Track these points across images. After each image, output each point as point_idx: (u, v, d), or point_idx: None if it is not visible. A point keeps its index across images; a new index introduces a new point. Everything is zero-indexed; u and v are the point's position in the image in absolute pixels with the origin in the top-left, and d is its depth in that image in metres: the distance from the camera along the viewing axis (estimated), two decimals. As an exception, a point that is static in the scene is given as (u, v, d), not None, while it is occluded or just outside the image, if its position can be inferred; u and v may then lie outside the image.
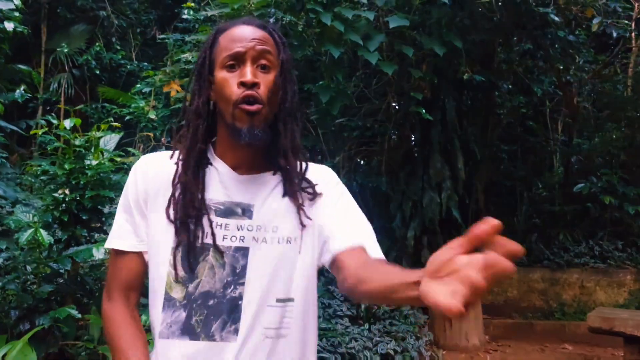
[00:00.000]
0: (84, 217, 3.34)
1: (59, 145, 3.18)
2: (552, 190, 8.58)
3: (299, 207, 1.17)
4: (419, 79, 4.61)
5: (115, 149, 4.10)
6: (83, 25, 10.41)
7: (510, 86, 6.80)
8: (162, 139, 5.29)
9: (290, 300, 1.14)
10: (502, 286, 6.52)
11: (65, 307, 3.10)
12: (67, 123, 3.36)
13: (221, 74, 1.13)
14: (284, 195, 1.18)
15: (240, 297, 1.11)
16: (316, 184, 1.21)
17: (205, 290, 1.11)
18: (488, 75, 5.64)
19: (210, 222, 1.13)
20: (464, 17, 4.77)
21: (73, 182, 3.29)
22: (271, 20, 3.91)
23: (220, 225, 1.13)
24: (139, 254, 1.19)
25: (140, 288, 1.22)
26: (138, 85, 6.04)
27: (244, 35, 1.14)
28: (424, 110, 4.55)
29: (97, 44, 9.91)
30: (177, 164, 1.18)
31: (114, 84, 9.47)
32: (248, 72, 1.10)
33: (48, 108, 9.25)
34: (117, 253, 1.20)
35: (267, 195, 1.18)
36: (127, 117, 5.35)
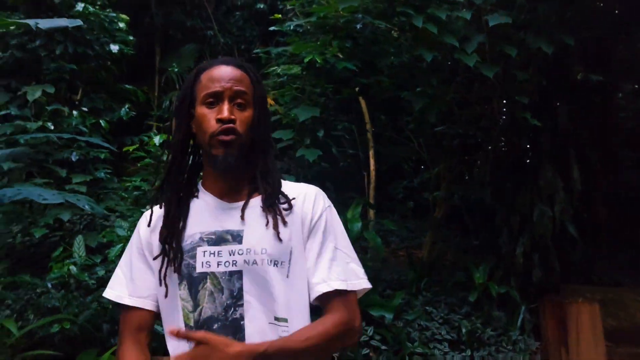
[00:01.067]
0: (171, 233, 3.34)
1: (149, 162, 3.21)
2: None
3: (277, 231, 1.24)
4: (525, 81, 4.17)
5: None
6: (192, 45, 10.92)
7: (636, 86, 6.03)
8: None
9: (285, 320, 1.22)
10: (629, 310, 5.74)
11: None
12: (157, 139, 3.40)
13: (201, 110, 1.26)
14: (267, 215, 1.26)
15: (242, 318, 1.20)
16: (296, 201, 1.30)
17: (208, 315, 1.21)
18: (606, 75, 5.01)
19: (204, 252, 1.23)
20: (575, 13, 4.25)
21: (161, 198, 3.31)
22: (358, 26, 3.73)
23: (214, 253, 1.23)
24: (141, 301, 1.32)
25: (149, 329, 1.32)
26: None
27: (222, 75, 1.26)
28: (530, 116, 4.10)
29: (204, 61, 10.31)
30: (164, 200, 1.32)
31: (220, 100, 9.78)
32: (225, 110, 1.23)
33: (161, 125, 9.82)
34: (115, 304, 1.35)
35: (254, 220, 1.26)
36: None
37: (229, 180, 1.29)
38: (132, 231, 3.48)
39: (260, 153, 1.30)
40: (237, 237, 1.24)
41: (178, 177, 1.32)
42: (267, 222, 1.25)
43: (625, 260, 6.13)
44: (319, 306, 1.29)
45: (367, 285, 1.33)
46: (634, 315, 5.75)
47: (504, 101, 5.10)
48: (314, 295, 1.26)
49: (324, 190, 1.38)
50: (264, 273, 1.22)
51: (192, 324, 1.22)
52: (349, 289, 1.26)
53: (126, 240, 3.27)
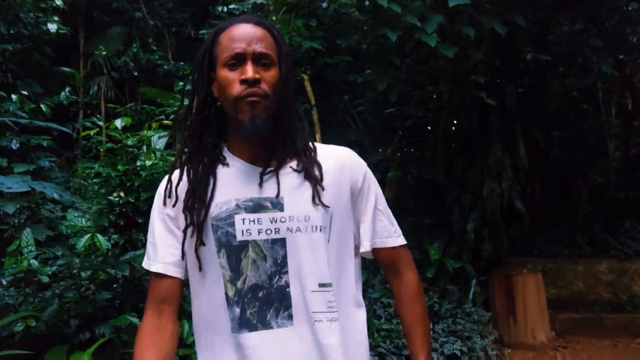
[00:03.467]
0: (139, 221, 3.19)
1: (112, 146, 3.02)
2: (607, 177, 8.15)
3: (316, 195, 1.21)
4: (479, 62, 4.31)
5: (164, 148, 3.95)
6: (119, 28, 10.39)
7: (562, 68, 6.41)
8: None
9: (329, 285, 1.20)
10: (567, 279, 6.16)
11: (125, 314, 2.96)
12: (119, 123, 3.21)
13: (223, 73, 1.19)
14: (304, 181, 1.22)
15: (287, 285, 1.17)
16: (334, 164, 1.27)
17: (252, 283, 1.18)
18: (544, 56, 5.29)
19: (243, 219, 1.18)
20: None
21: (127, 184, 3.14)
22: (324, 4, 3.69)
23: (253, 221, 1.18)
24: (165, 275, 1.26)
25: (174, 300, 1.27)
26: (180, 83, 5.89)
27: (244, 34, 1.19)
28: (485, 95, 4.25)
29: (134, 45, 9.86)
30: (186, 166, 1.26)
31: (152, 84, 9.40)
32: (249, 70, 1.15)
33: (89, 112, 9.27)
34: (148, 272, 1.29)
35: (293, 186, 1.21)
36: (172, 116, 5.20)
37: (259, 144, 1.22)
38: (95, 221, 3.30)
39: (289, 113, 1.23)
40: (277, 205, 1.19)
41: (202, 143, 1.25)
42: (308, 189, 1.21)
43: (561, 233, 6.56)
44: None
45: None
46: (571, 283, 6.18)
47: (453, 82, 5.26)
48: (381, 245, 1.31)
49: None
50: (308, 240, 1.19)
51: (232, 293, 1.18)
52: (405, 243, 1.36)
53: (92, 230, 3.07)
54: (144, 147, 3.35)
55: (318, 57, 4.12)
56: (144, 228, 3.31)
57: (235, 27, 1.20)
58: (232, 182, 1.22)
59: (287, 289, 1.17)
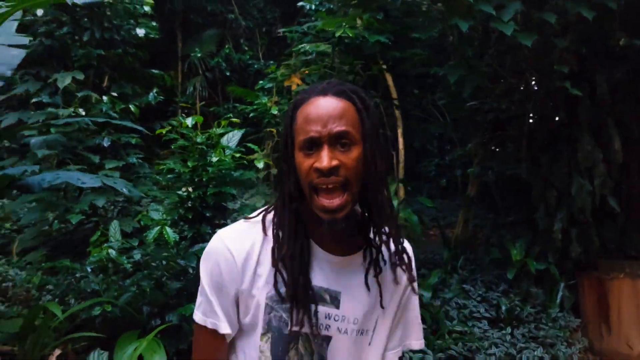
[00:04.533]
0: (207, 214, 3.33)
1: (183, 144, 3.18)
2: None
3: (380, 296, 1.16)
4: (563, 50, 4.01)
5: (239, 145, 4.08)
6: (213, 30, 10.89)
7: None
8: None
9: None
10: (673, 285, 5.57)
11: (192, 304, 3.11)
12: (189, 121, 3.37)
13: (299, 158, 1.07)
14: (366, 277, 1.15)
15: None
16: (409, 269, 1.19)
17: None
18: (640, 41, 4.78)
19: (300, 309, 1.09)
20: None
21: (196, 180, 3.29)
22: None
23: (309, 313, 1.10)
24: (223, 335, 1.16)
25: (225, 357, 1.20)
26: (261, 82, 6.07)
27: (320, 114, 1.05)
28: (569, 85, 3.95)
29: (226, 46, 10.30)
30: (275, 243, 1.12)
31: (243, 83, 9.77)
32: (325, 157, 1.02)
33: (186, 111, 9.83)
34: (201, 327, 1.17)
35: (354, 284, 1.15)
36: (252, 114, 5.38)
37: (335, 233, 1.11)
38: (167, 215, 3.49)
39: (376, 198, 1.09)
40: (334, 300, 1.12)
41: (291, 226, 1.11)
42: (367, 290, 1.15)
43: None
44: None
45: None
46: (677, 290, 5.58)
47: (539, 72, 4.94)
48: (417, 347, 1.29)
49: None
50: (350, 343, 1.15)
51: None
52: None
53: (162, 223, 3.26)
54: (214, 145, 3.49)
55: (387, 51, 4.05)
56: (211, 222, 3.46)
57: (311, 103, 1.07)
58: (294, 267, 1.10)
59: None
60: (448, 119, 6.38)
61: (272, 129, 5.21)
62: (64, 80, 4.60)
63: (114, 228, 4.06)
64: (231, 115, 3.60)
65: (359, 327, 1.15)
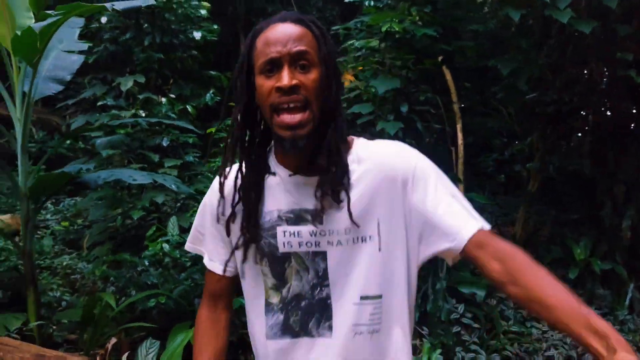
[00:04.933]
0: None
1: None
2: None
3: (349, 213, 1.12)
4: (626, 37, 3.79)
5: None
6: (274, 30, 11.10)
7: None
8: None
9: (378, 297, 1.15)
10: None
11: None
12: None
13: (259, 81, 1.10)
14: (334, 196, 1.13)
15: (328, 297, 1.16)
16: (376, 164, 1.16)
17: (296, 293, 1.18)
18: None
19: (284, 232, 1.16)
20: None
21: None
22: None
23: (294, 234, 1.16)
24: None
25: (227, 294, 1.35)
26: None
27: (279, 37, 1.08)
28: (635, 74, 3.72)
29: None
30: (236, 177, 1.20)
31: (302, 81, 9.87)
32: (285, 76, 1.05)
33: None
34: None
35: (333, 197, 1.13)
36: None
37: (301, 154, 1.13)
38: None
39: (335, 120, 1.11)
40: (317, 217, 1.14)
41: (245, 153, 1.18)
42: (341, 201, 1.12)
43: None
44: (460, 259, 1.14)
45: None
46: None
47: (603, 62, 4.68)
48: (465, 238, 1.08)
49: None
50: (351, 252, 1.14)
51: (276, 300, 1.19)
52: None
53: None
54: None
55: (436, 45, 3.97)
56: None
57: (271, 28, 1.10)
58: (276, 192, 1.18)
59: (328, 301, 1.15)
60: (507, 113, 6.17)
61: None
62: (127, 83, 4.85)
63: (172, 223, 4.24)
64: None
65: (354, 235, 1.13)
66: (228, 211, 1.21)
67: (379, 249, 1.14)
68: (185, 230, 4.44)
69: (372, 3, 5.84)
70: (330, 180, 1.12)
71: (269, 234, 1.17)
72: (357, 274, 1.14)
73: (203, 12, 5.47)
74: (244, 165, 1.18)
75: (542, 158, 5.31)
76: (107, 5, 2.09)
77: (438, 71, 4.93)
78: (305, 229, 1.15)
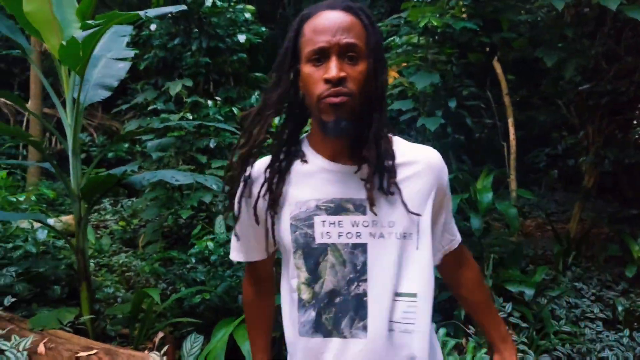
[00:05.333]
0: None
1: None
2: None
3: (404, 203, 1.14)
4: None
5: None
6: (322, 30, 11.19)
7: None
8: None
9: (413, 295, 1.14)
10: None
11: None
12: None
13: (306, 69, 1.09)
14: (381, 188, 1.14)
15: (365, 294, 1.11)
16: (421, 167, 1.20)
17: (330, 289, 1.13)
18: None
19: (323, 221, 1.13)
20: None
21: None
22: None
23: (334, 223, 1.13)
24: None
25: (270, 275, 1.40)
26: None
27: (328, 25, 1.07)
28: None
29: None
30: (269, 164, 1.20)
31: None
32: (333, 68, 1.05)
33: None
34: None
35: (379, 188, 1.14)
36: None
37: (342, 142, 1.14)
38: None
39: (375, 112, 1.11)
40: (359, 207, 1.13)
41: (280, 138, 1.20)
42: (392, 193, 1.14)
43: None
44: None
45: None
46: None
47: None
48: (450, 249, 1.34)
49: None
50: (392, 247, 1.12)
51: (307, 296, 1.15)
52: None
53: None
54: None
55: (476, 38, 3.88)
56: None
57: (320, 15, 1.09)
58: (312, 181, 1.16)
59: (365, 298, 1.11)
60: (563, 106, 5.95)
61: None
62: (175, 88, 5.03)
63: (219, 222, 4.36)
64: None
65: (397, 229, 1.13)
66: (262, 199, 1.19)
67: (417, 247, 1.15)
68: (232, 229, 4.56)
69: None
70: (385, 171, 1.13)
71: (305, 224, 1.14)
72: (397, 269, 1.13)
73: (247, 15, 5.58)
74: (276, 148, 1.19)
75: (597, 152, 5.08)
76: (141, 13, 2.19)
77: (484, 65, 4.82)
78: (347, 219, 1.12)
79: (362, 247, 1.12)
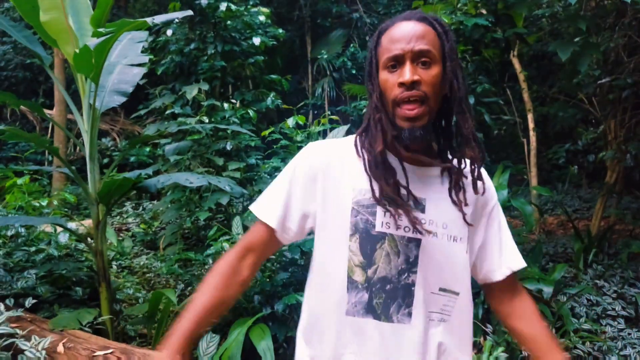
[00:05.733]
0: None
1: (284, 143, 3.37)
2: None
3: (462, 212, 1.24)
4: None
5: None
6: (340, 30, 11.19)
7: None
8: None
9: (455, 293, 1.25)
10: None
11: (295, 294, 3.28)
12: (290, 121, 3.54)
13: (383, 75, 1.18)
14: (450, 192, 1.24)
15: (413, 284, 1.21)
16: (485, 188, 1.29)
17: (382, 275, 1.21)
18: None
19: (385, 212, 1.20)
20: None
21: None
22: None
23: (395, 215, 1.19)
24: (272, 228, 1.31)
25: (261, 253, 1.34)
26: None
27: (403, 34, 1.16)
28: None
29: (351, 45, 10.51)
30: (359, 152, 1.26)
31: (369, 80, 9.86)
32: (407, 72, 1.13)
33: (315, 112, 10.20)
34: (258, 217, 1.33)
35: (438, 191, 1.24)
36: (364, 110, 5.42)
37: (415, 145, 1.20)
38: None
39: (457, 114, 1.19)
40: (419, 205, 1.22)
41: (385, 137, 1.21)
42: (454, 199, 1.24)
43: None
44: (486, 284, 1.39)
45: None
46: None
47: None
48: (505, 274, 1.33)
49: None
50: (441, 247, 1.22)
51: (361, 279, 1.21)
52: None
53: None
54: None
55: (487, 34, 3.84)
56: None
57: (396, 27, 1.19)
58: (381, 173, 1.21)
59: (413, 288, 1.20)
60: (586, 100, 5.85)
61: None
62: (191, 91, 5.10)
63: (236, 223, 4.41)
64: (329, 113, 3.71)
65: (449, 232, 1.23)
66: (332, 179, 1.25)
67: (466, 251, 1.26)
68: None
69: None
70: (456, 175, 1.24)
71: (368, 211, 1.21)
72: (445, 267, 1.23)
73: (262, 18, 5.62)
74: (380, 145, 1.20)
75: (619, 146, 4.99)
76: (148, 19, 2.25)
77: (500, 61, 4.78)
78: (407, 213, 1.19)
79: (417, 242, 1.21)
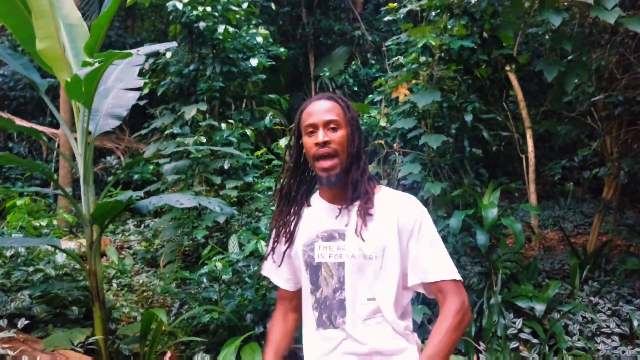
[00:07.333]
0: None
1: (277, 163, 3.43)
2: None
3: (374, 235, 1.56)
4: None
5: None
6: (342, 48, 11.29)
7: None
8: (395, 145, 5.26)
9: (374, 299, 1.57)
10: None
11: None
12: (283, 142, 3.61)
13: (304, 139, 1.61)
14: (363, 220, 1.56)
15: (345, 299, 1.58)
16: (393, 209, 1.60)
17: (324, 295, 1.61)
18: None
19: (319, 246, 1.61)
20: None
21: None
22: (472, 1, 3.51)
23: (326, 247, 1.60)
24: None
25: (292, 299, 1.77)
26: (370, 96, 6.19)
27: (316, 108, 1.59)
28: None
29: (353, 62, 10.60)
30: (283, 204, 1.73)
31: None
32: (320, 134, 1.55)
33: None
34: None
35: (354, 222, 1.58)
36: (364, 127, 5.50)
37: (336, 188, 1.61)
38: (268, 227, 3.77)
39: (354, 165, 1.60)
40: (342, 236, 1.59)
41: (291, 194, 1.68)
42: (367, 225, 1.56)
43: None
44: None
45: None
46: None
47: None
48: (430, 280, 1.56)
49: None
50: (359, 265, 1.56)
51: (314, 300, 1.62)
52: (458, 278, 1.57)
53: (261, 237, 3.53)
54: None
55: (473, 55, 3.90)
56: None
57: (312, 104, 1.62)
58: (316, 218, 1.65)
59: (344, 302, 1.57)
60: (587, 117, 5.88)
61: (380, 141, 5.27)
62: (190, 112, 5.20)
63: (232, 242, 4.47)
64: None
65: (364, 252, 1.55)
66: (301, 231, 1.67)
67: (380, 267, 1.57)
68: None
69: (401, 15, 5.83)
70: (360, 209, 1.57)
71: (309, 248, 1.62)
72: (363, 281, 1.56)
73: (260, 39, 5.72)
74: (289, 201, 1.69)
75: (614, 163, 5.00)
76: (133, 51, 2.34)
77: (494, 79, 4.82)
78: (334, 244, 1.60)
79: (342, 265, 1.58)
